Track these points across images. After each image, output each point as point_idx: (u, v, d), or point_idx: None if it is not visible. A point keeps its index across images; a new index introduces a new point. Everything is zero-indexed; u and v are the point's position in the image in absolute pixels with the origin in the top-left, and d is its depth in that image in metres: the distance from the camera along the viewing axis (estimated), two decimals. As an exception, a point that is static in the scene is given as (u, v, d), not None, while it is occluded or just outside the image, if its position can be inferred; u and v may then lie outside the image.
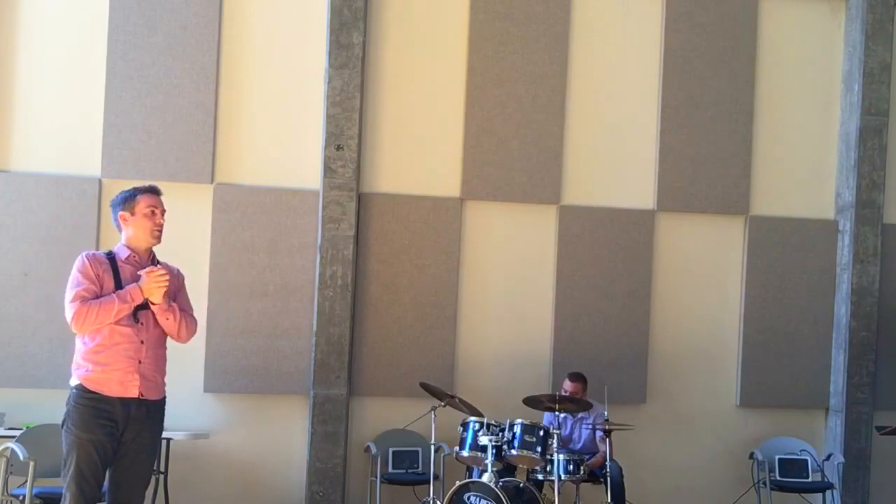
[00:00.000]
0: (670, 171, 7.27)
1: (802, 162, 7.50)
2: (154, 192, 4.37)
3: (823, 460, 7.11)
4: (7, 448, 5.61)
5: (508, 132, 7.07)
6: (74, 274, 4.20)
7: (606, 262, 7.17)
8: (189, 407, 6.58)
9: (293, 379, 6.74)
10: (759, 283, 7.34)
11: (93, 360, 4.17)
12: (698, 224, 7.35)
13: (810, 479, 6.89)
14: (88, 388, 4.15)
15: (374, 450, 6.65)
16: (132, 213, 4.29)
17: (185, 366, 6.55)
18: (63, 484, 4.14)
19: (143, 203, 4.29)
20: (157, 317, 4.25)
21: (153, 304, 4.21)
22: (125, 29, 6.63)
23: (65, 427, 4.16)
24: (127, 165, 6.58)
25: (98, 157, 6.58)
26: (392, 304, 6.90)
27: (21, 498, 5.51)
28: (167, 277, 4.21)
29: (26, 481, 5.44)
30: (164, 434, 6.12)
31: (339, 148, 6.75)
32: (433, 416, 6.15)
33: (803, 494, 7.02)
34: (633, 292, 7.20)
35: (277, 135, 6.84)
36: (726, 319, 7.35)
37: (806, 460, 6.92)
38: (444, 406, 6.17)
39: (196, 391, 6.63)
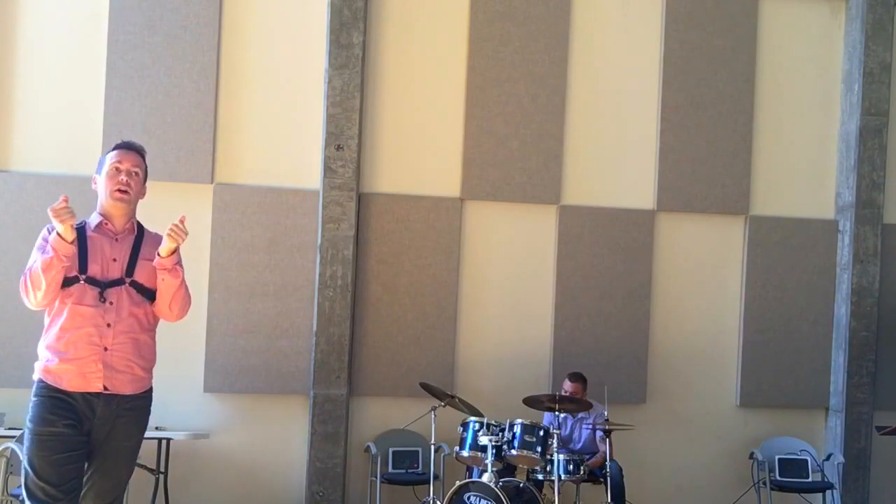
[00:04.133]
0: (670, 171, 7.27)
1: (802, 162, 7.50)
2: (124, 147, 3.82)
3: (823, 460, 7.11)
4: (7, 448, 5.61)
5: (508, 132, 7.07)
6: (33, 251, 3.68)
7: (606, 262, 7.16)
8: (189, 407, 6.58)
9: (293, 379, 6.74)
10: (759, 283, 7.34)
11: (52, 347, 3.62)
12: (698, 224, 7.35)
13: (810, 479, 6.89)
14: (47, 381, 3.60)
15: (374, 450, 6.65)
16: (101, 174, 3.77)
17: (185, 366, 6.57)
18: (23, 491, 3.60)
19: (108, 161, 3.75)
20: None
21: (65, 239, 3.51)
22: (125, 29, 6.63)
23: (26, 427, 3.63)
24: (127, 165, 6.55)
25: (98, 157, 6.54)
26: (392, 304, 6.90)
27: (21, 498, 5.50)
28: (58, 208, 3.47)
29: (26, 481, 5.44)
30: (164, 434, 6.18)
31: (339, 148, 6.75)
32: (433, 416, 6.15)
33: (803, 494, 7.02)
34: (633, 292, 7.19)
35: (277, 135, 6.84)
36: (726, 319, 7.35)
37: (806, 460, 6.92)
38: (444, 406, 6.17)
39: (196, 391, 6.62)
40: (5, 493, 5.62)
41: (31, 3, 6.60)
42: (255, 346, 6.68)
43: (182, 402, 6.53)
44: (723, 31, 7.35)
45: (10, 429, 6.08)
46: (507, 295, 7.10)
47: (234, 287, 6.68)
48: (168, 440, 6.25)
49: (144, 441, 6.00)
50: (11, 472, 5.64)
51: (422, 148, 7.02)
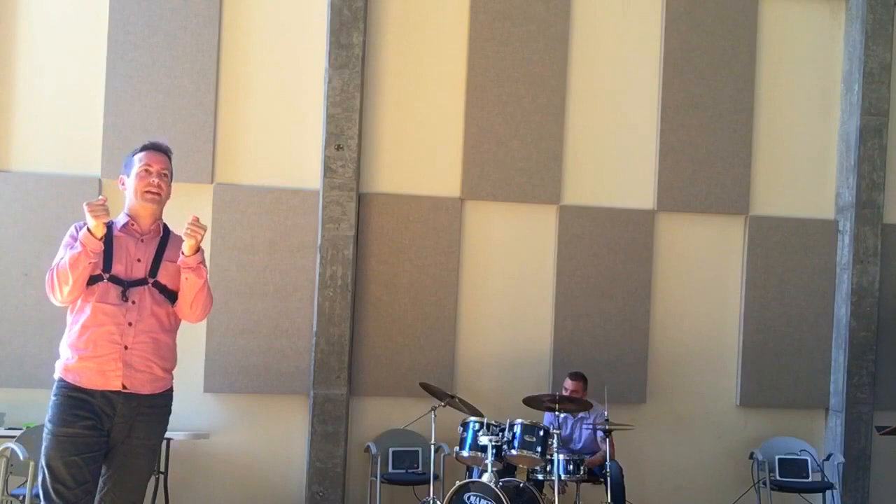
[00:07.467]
0: (670, 171, 7.27)
1: (802, 162, 7.50)
2: (153, 148, 3.84)
3: (823, 460, 7.11)
4: (7, 448, 5.62)
5: (508, 132, 7.07)
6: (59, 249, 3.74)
7: (606, 262, 7.16)
8: (189, 407, 6.56)
9: (293, 379, 6.74)
10: (759, 283, 7.34)
11: (73, 345, 3.66)
12: (698, 224, 7.35)
13: (810, 479, 6.89)
14: (67, 380, 3.64)
15: (374, 450, 6.65)
16: (129, 175, 3.80)
17: (185, 366, 6.52)
18: (39, 491, 3.63)
19: (137, 163, 3.78)
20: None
21: (95, 235, 3.60)
22: (125, 29, 6.63)
23: (45, 427, 3.65)
24: (127, 165, 6.56)
25: (98, 157, 6.58)
26: (392, 304, 6.91)
27: (21, 498, 5.51)
28: (95, 203, 3.57)
29: (26, 481, 5.45)
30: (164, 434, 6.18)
31: (339, 148, 6.75)
32: (433, 416, 6.15)
33: (803, 494, 7.02)
34: (633, 292, 7.19)
35: (277, 135, 6.84)
36: (726, 319, 7.35)
37: (806, 460, 6.92)
38: (444, 406, 6.17)
39: (196, 391, 6.62)
40: (5, 493, 5.62)
41: (31, 4, 6.60)
42: (255, 346, 6.68)
43: (182, 402, 6.36)
44: (723, 31, 7.35)
45: (10, 429, 6.08)
46: (507, 295, 7.10)
47: (234, 287, 6.68)
48: (168, 440, 6.24)
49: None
50: (11, 472, 5.64)
51: (422, 148, 7.02)
